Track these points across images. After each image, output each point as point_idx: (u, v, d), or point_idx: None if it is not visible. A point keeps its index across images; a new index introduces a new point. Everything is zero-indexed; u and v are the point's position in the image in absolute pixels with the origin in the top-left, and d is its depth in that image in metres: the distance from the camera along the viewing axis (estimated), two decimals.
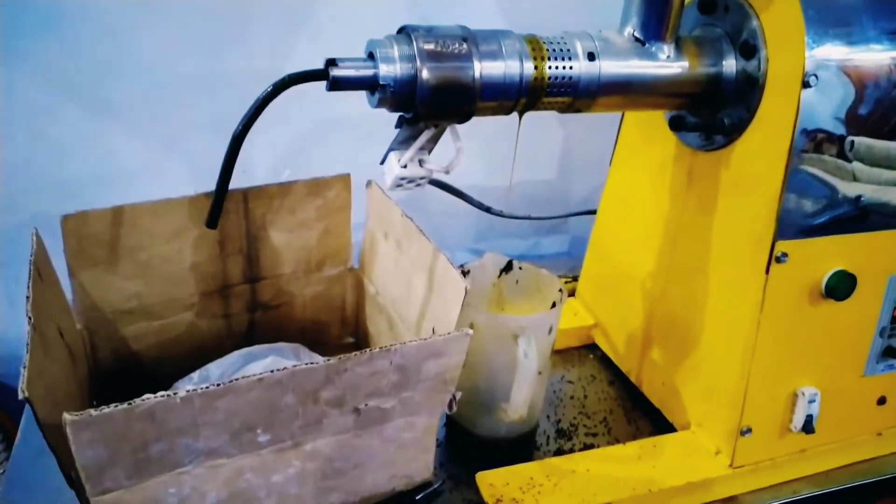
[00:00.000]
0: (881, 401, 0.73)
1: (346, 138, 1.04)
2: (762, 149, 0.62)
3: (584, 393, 0.82)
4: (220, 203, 0.56)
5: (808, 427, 0.67)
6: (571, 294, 0.94)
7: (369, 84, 0.54)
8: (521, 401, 0.62)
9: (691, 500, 0.67)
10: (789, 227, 0.61)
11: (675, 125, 0.70)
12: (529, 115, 1.09)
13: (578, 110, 0.62)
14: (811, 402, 0.67)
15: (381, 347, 0.52)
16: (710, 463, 0.68)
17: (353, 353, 0.51)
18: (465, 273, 0.71)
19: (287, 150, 1.00)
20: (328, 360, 0.50)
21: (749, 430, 0.67)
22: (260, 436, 0.52)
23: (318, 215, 0.74)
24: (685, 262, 0.73)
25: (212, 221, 0.58)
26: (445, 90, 0.54)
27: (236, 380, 0.47)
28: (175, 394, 0.46)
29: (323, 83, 0.53)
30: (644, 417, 0.79)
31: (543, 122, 1.10)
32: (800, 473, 0.71)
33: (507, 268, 0.73)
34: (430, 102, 0.54)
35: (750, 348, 0.64)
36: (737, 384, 0.66)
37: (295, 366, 0.49)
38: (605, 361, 0.88)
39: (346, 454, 0.58)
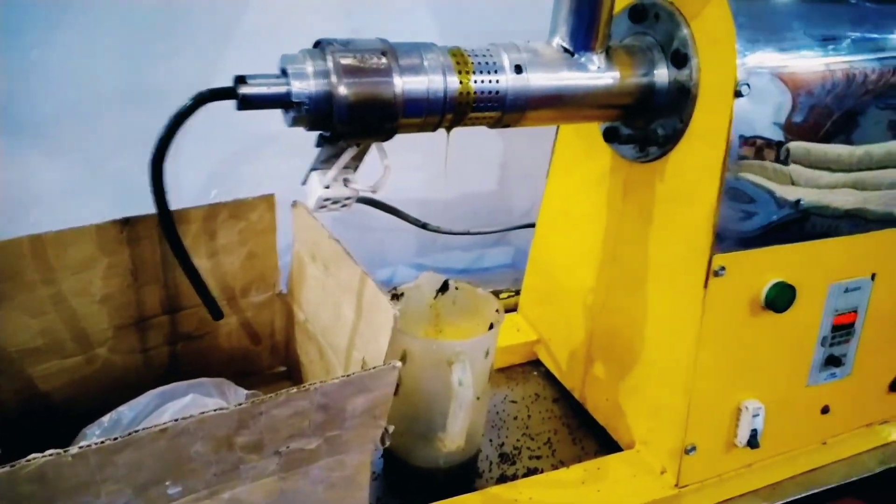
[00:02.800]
0: (825, 410, 0.72)
1: (282, 155, 0.99)
2: (696, 160, 0.60)
3: (527, 413, 0.80)
4: (173, 240, 0.54)
5: (752, 442, 0.66)
6: (515, 308, 0.92)
7: (282, 102, 0.51)
8: (457, 430, 0.59)
9: None
10: (726, 239, 0.59)
11: (610, 137, 0.68)
12: (469, 129, 1.06)
13: (508, 125, 0.59)
14: (755, 416, 0.66)
15: (298, 388, 0.48)
16: (656, 483, 0.66)
17: (269, 396, 0.47)
18: (398, 296, 0.68)
19: (216, 169, 0.95)
20: (241, 404, 0.46)
21: (693, 449, 0.65)
22: (170, 488, 0.47)
23: (241, 239, 0.70)
24: (624, 276, 0.71)
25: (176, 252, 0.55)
26: (364, 107, 0.51)
27: (136, 431, 0.43)
28: (66, 451, 0.42)
29: None
30: (589, 437, 0.77)
31: (481, 134, 1.07)
32: (746, 488, 0.69)
33: (443, 288, 0.70)
34: (348, 120, 0.51)
35: (691, 364, 0.62)
36: (679, 401, 0.64)
37: (202, 413, 0.45)
38: (550, 378, 0.85)
39: (270, 499, 0.54)
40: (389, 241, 1.05)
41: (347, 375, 0.50)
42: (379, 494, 0.67)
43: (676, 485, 0.66)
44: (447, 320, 0.71)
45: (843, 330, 0.68)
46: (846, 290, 0.67)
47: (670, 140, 0.62)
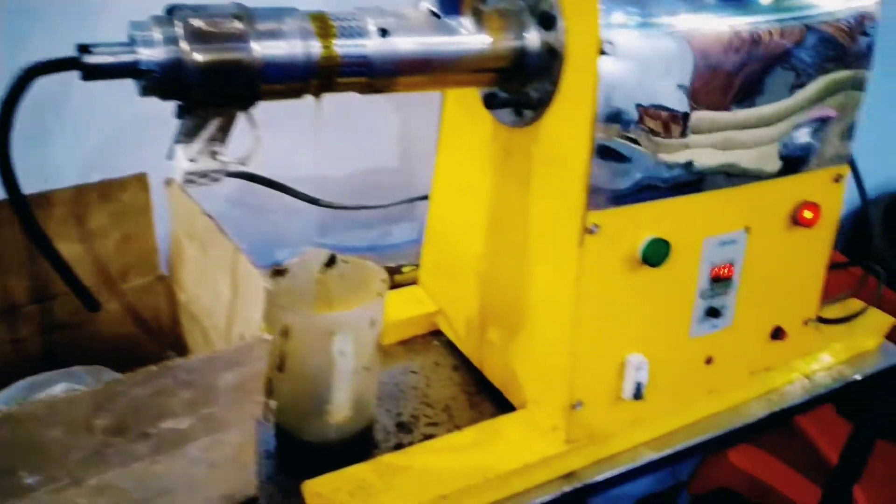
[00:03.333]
0: (709, 360, 0.74)
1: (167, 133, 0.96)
2: (568, 121, 0.61)
3: (426, 382, 0.80)
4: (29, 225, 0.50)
5: (638, 394, 0.68)
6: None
7: (131, 71, 0.48)
8: (342, 400, 0.59)
9: (531, 480, 0.66)
10: (600, 198, 0.60)
11: (489, 102, 0.68)
12: (364, 102, 1.05)
13: (379, 90, 0.59)
14: (639, 369, 0.67)
15: (159, 366, 0.46)
16: (547, 440, 0.67)
17: (127, 375, 0.46)
18: (281, 271, 0.66)
19: (96, 151, 0.91)
20: (97, 385, 0.45)
21: (580, 404, 0.66)
22: (26, 478, 0.45)
23: (114, 221, 0.67)
24: (509, 241, 0.71)
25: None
26: (218, 74, 0.49)
27: None
28: None
29: None
30: (487, 401, 0.78)
31: (380, 109, 1.06)
32: (636, 440, 0.72)
33: (330, 262, 0.69)
34: (201, 88, 0.49)
35: (572, 322, 0.64)
36: (564, 359, 0.65)
37: (53, 397, 0.43)
38: (451, 347, 0.86)
39: (145, 483, 0.52)
40: (288, 221, 1.03)
41: (212, 351, 0.48)
42: (270, 472, 0.66)
43: (567, 440, 0.67)
44: (336, 295, 0.70)
45: (720, 282, 0.71)
46: (721, 244, 0.69)
47: (543, 102, 0.62)
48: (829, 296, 0.91)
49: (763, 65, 0.65)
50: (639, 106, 0.60)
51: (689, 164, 0.64)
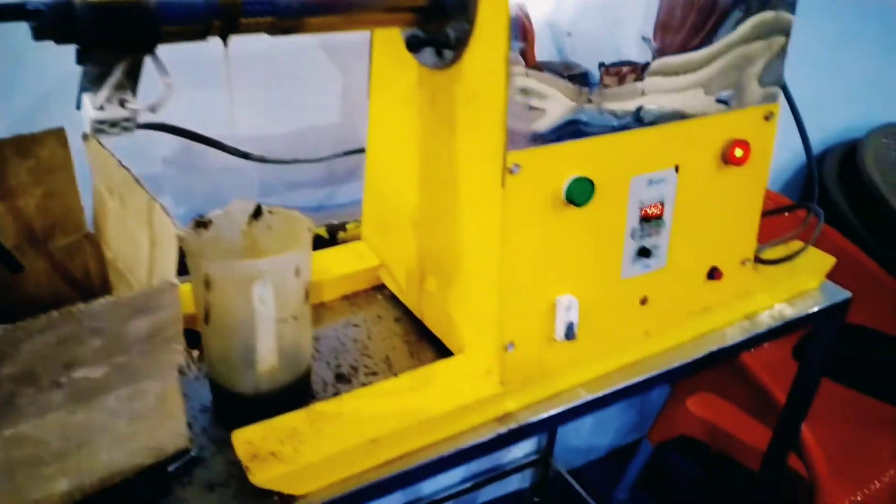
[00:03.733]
0: (643, 301, 0.75)
1: None
2: (485, 60, 0.60)
3: (367, 335, 0.80)
4: None
5: (569, 334, 0.68)
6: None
7: (20, 12, 0.47)
8: (266, 349, 0.59)
9: (465, 422, 0.67)
10: (521, 137, 0.60)
11: (411, 45, 0.67)
12: (305, 57, 1.02)
13: (288, 31, 0.57)
14: (569, 309, 0.68)
15: (61, 311, 0.46)
16: (481, 383, 0.68)
17: (29, 320, 0.45)
18: (205, 223, 0.66)
19: (23, 111, 0.89)
20: None
21: (512, 345, 0.67)
22: None
23: (34, 178, 0.66)
24: (441, 188, 0.71)
25: None
26: (110, 13, 0.48)
27: None
28: None
29: None
30: (427, 349, 0.78)
31: (319, 62, 1.04)
32: (572, 381, 0.72)
33: (256, 213, 0.69)
34: (95, 29, 0.48)
35: (500, 264, 0.64)
36: (494, 301, 0.66)
37: None
38: (394, 300, 0.86)
39: (64, 434, 0.52)
40: (228, 180, 1.02)
41: (118, 297, 0.48)
42: (205, 425, 0.66)
43: (501, 382, 0.68)
44: (263, 246, 0.69)
45: (651, 222, 0.71)
46: (650, 183, 0.69)
47: (461, 42, 0.61)
48: (774, 238, 0.92)
49: (707, 6, 0.65)
50: (557, 42, 0.59)
51: (610, 104, 0.64)
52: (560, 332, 0.68)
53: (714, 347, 0.80)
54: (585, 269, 0.69)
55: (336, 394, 0.71)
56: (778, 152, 0.82)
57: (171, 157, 0.99)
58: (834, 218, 1.47)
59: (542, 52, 0.59)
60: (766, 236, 0.91)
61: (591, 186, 0.64)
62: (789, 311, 0.87)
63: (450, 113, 0.66)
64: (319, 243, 0.95)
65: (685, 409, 1.36)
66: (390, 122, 0.79)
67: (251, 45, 0.99)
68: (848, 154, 1.55)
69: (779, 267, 0.91)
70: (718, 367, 1.25)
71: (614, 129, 0.65)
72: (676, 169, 0.71)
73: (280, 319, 0.62)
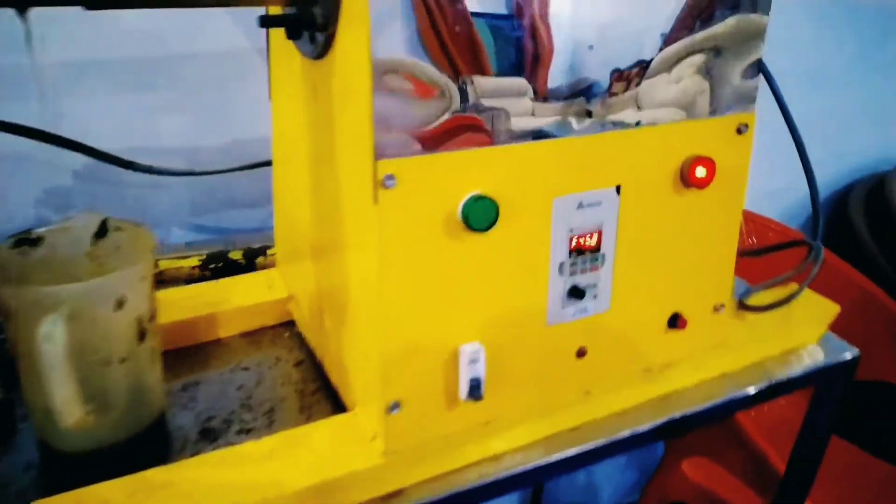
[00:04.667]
0: (580, 353, 0.61)
1: None
2: (353, 44, 0.48)
3: (257, 381, 0.67)
4: None
5: (475, 394, 0.54)
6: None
7: None
8: (61, 399, 0.46)
9: (337, 501, 0.53)
10: (396, 140, 0.47)
11: (289, 30, 0.56)
12: (241, 63, 0.91)
13: (110, 6, 0.46)
14: (473, 361, 0.54)
15: None
16: (361, 451, 0.54)
17: None
18: (32, 240, 0.54)
19: None
20: None
21: (398, 405, 0.53)
22: None
23: None
24: (326, 202, 0.59)
25: None
26: None
27: None
28: None
29: None
30: (322, 402, 0.65)
31: (258, 69, 0.94)
32: (484, 452, 0.58)
33: (102, 231, 0.57)
34: None
35: (377, 301, 0.51)
36: (374, 347, 0.52)
37: None
38: (300, 339, 0.73)
39: None
40: (154, 198, 0.92)
41: None
42: (24, 486, 0.54)
43: (385, 452, 0.54)
44: (111, 269, 0.58)
45: (585, 255, 0.57)
46: (581, 206, 0.56)
47: (330, 23, 0.49)
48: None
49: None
50: (445, 19, 0.47)
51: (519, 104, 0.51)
52: (464, 389, 0.55)
53: (676, 413, 0.65)
54: (497, 312, 0.55)
55: (196, 453, 0.58)
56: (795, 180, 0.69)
57: (84, 170, 0.89)
58: (859, 257, 1.30)
59: (427, 29, 0.46)
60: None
61: (494, 207, 0.50)
62: (778, 370, 0.72)
63: (328, 112, 0.54)
64: (235, 269, 0.83)
65: (680, 473, 1.19)
66: (285, 125, 0.67)
67: (181, 44, 0.90)
68: (876, 187, 1.38)
69: (770, 315, 0.76)
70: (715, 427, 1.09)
71: (530, 137, 0.52)
72: (618, 190, 0.57)
73: (99, 362, 0.50)
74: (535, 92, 0.51)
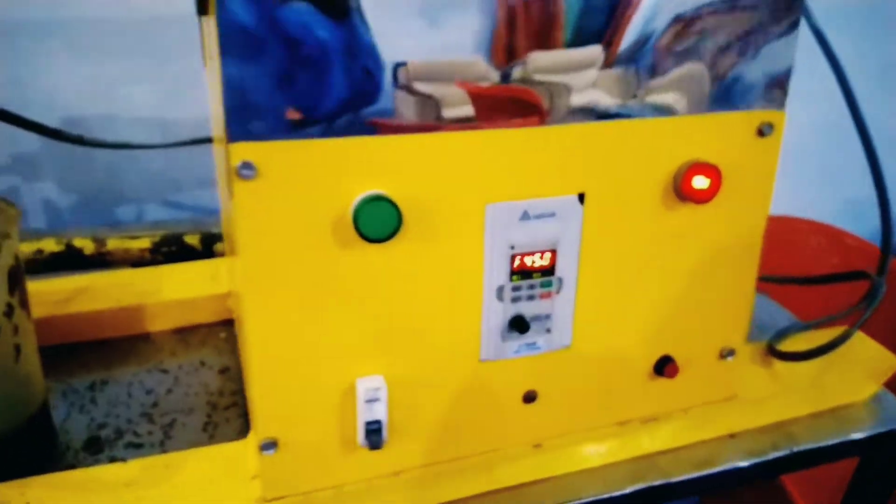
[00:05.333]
0: (529, 398, 0.49)
1: None
2: None
3: (170, 387, 0.59)
4: None
5: (374, 439, 0.44)
6: None
7: None
8: None
9: None
10: (254, 119, 0.37)
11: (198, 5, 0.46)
12: None
13: None
14: (372, 400, 0.43)
15: None
16: (235, 493, 0.45)
17: None
18: None
19: None
20: None
21: (272, 445, 0.43)
22: None
23: None
24: (226, 189, 0.49)
25: None
26: None
27: None
28: None
29: None
30: (236, 420, 0.56)
31: None
32: None
33: None
34: None
35: (246, 318, 0.41)
36: (251, 373, 0.43)
37: None
38: (234, 342, 0.65)
39: None
40: (126, 175, 0.85)
41: None
42: None
43: (263, 499, 0.44)
44: None
45: (533, 278, 0.45)
46: (526, 217, 0.44)
47: None
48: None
49: None
50: None
51: (423, 72, 0.39)
52: (361, 433, 0.44)
53: (656, 481, 0.52)
54: (410, 343, 0.44)
55: (71, 466, 0.51)
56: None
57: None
58: None
59: None
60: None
61: (394, 213, 0.39)
62: (805, 435, 0.57)
63: (213, 78, 0.44)
64: (189, 255, 0.76)
65: None
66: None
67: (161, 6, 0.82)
68: None
69: (806, 365, 0.61)
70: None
71: (452, 122, 0.40)
72: (581, 199, 0.45)
73: None
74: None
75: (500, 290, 0.45)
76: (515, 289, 0.45)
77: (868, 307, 0.59)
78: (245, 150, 0.37)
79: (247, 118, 0.36)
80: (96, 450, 0.53)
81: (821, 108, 0.91)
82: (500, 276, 0.44)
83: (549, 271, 0.45)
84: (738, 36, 0.44)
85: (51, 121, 0.66)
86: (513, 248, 0.44)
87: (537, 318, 0.46)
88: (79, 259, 0.70)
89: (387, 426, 0.44)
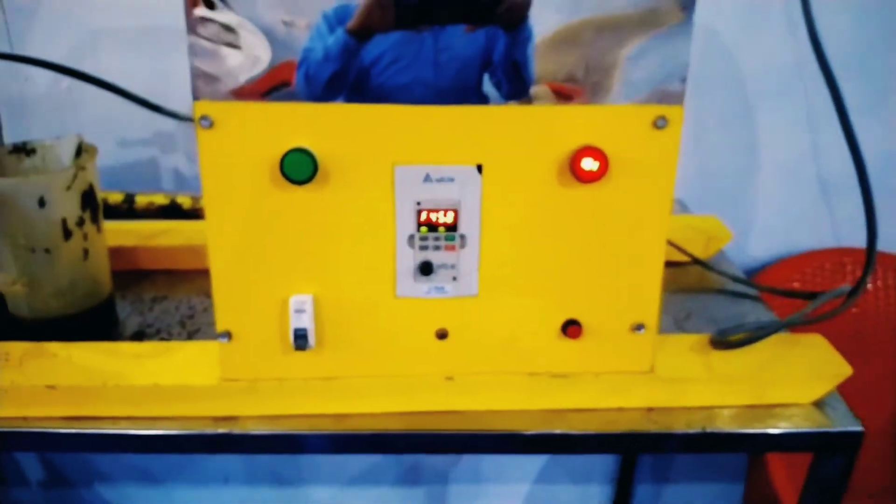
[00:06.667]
0: (441, 335, 0.59)
1: None
2: None
3: (206, 307, 0.76)
4: None
5: (299, 342, 0.56)
6: None
7: None
8: None
9: (172, 408, 0.59)
10: (215, 83, 0.51)
11: None
12: None
13: None
14: (299, 311, 0.56)
15: None
16: (204, 371, 0.60)
17: None
18: (27, 150, 0.69)
19: None
20: None
21: (227, 335, 0.57)
22: None
23: None
24: None
25: None
26: None
27: None
28: None
29: None
30: None
31: None
32: (324, 409, 0.59)
33: (79, 151, 0.70)
34: None
35: (207, 237, 0.55)
36: (213, 281, 0.57)
37: None
38: None
39: None
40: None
41: None
42: None
43: (222, 378, 0.59)
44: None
45: (438, 231, 0.55)
46: (429, 180, 0.54)
47: None
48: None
49: None
50: None
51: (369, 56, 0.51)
52: (291, 337, 0.57)
53: (561, 429, 0.59)
54: (337, 271, 0.56)
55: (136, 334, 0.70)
56: None
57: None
58: None
59: None
60: None
61: (309, 161, 0.52)
62: (727, 422, 0.61)
63: None
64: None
65: None
66: None
67: None
68: None
69: (749, 358, 0.63)
70: None
71: (372, 97, 0.52)
72: (479, 169, 0.54)
73: (25, 247, 0.63)
74: None
75: (411, 238, 0.55)
76: (423, 239, 0.55)
77: (847, 299, 0.62)
78: (204, 107, 0.51)
79: (207, 82, 0.51)
80: (139, 339, 0.70)
81: None
82: (410, 226, 0.55)
83: (452, 228, 0.55)
84: (632, 35, 0.51)
85: (185, 108, 0.85)
86: (419, 204, 0.54)
87: (444, 266, 0.56)
88: (179, 211, 0.89)
89: (314, 335, 0.56)
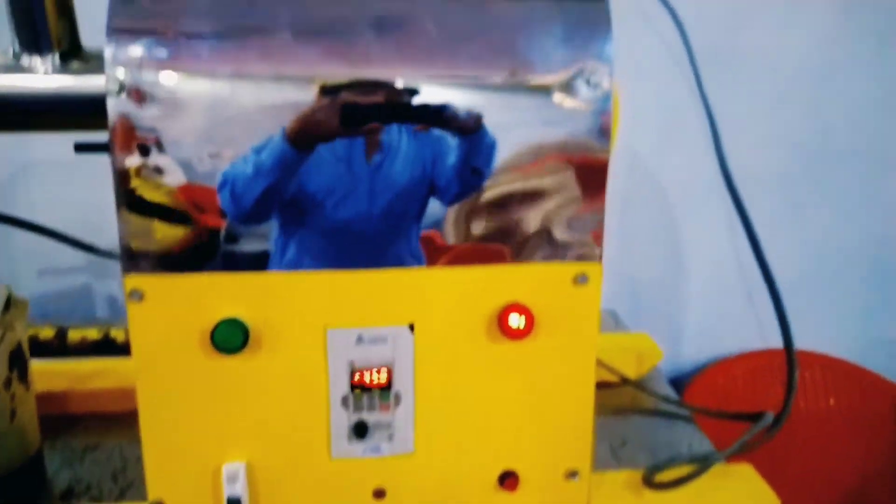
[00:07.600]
0: (378, 494, 0.58)
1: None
2: None
3: (140, 456, 0.73)
4: None
5: None
6: None
7: None
8: None
9: None
10: (144, 257, 0.52)
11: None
12: None
13: None
14: (232, 480, 0.55)
15: None
16: None
17: None
18: None
19: None
20: None
21: None
22: None
23: None
24: None
25: None
26: None
27: None
28: None
29: None
30: None
31: None
32: None
33: (7, 304, 0.68)
34: None
35: (140, 407, 0.54)
36: (144, 449, 0.56)
37: None
38: None
39: None
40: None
41: None
42: None
43: None
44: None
45: (370, 392, 0.56)
46: (362, 341, 0.55)
47: None
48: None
49: None
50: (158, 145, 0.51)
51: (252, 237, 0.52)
52: None
53: None
54: (270, 437, 0.56)
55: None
56: None
57: None
58: None
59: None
60: None
61: (239, 331, 0.52)
62: None
63: None
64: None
65: None
66: None
67: None
68: None
69: (684, 498, 0.65)
70: None
71: (297, 264, 0.53)
72: (412, 329, 0.55)
73: None
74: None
75: (345, 399, 0.56)
76: (357, 399, 0.56)
77: (765, 433, 0.64)
78: (135, 281, 0.52)
79: (140, 257, 0.51)
80: (68, 498, 0.68)
81: None
82: (343, 388, 0.55)
83: (386, 387, 0.56)
84: (549, 202, 0.54)
85: None
86: (352, 365, 0.55)
87: (379, 425, 0.56)
88: (114, 346, 0.88)
89: (247, 502, 0.55)
